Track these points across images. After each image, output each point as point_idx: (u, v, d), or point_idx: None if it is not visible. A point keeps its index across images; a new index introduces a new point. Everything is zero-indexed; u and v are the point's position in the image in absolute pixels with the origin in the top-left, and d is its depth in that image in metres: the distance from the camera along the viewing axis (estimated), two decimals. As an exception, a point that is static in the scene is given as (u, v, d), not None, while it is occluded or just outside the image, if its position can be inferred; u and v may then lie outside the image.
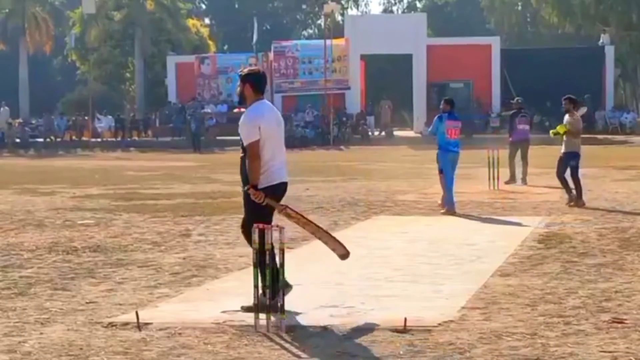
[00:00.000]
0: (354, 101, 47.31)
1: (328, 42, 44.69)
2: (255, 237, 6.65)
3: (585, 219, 13.02)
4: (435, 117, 14.92)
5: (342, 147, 40.62)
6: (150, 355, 5.89)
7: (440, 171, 14.68)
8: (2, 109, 48.42)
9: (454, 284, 8.20)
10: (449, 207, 14.19)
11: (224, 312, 7.02)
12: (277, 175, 7.22)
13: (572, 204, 14.78)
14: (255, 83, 7.24)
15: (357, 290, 7.93)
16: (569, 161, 15.21)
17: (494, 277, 8.53)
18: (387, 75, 57.05)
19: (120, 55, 57.40)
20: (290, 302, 6.72)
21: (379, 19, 56.53)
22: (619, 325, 6.51)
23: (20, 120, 49.67)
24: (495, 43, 48.35)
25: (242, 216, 13.55)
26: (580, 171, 15.41)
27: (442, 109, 14.79)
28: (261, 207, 7.13)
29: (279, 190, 7.26)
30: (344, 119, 45.22)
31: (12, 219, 13.88)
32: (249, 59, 49.31)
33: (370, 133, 45.22)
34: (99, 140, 45.62)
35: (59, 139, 45.62)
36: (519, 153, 19.50)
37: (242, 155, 7.25)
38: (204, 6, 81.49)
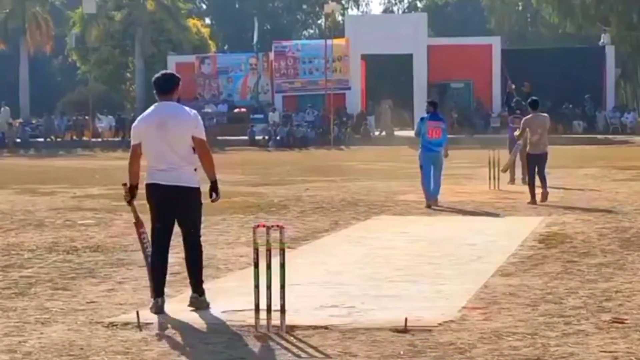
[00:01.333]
0: (355, 101, 47.32)
1: (328, 42, 44.71)
2: (256, 236, 6.66)
3: (586, 218, 13.01)
4: (419, 119, 16.13)
5: (342, 147, 40.63)
6: (150, 355, 5.89)
7: (421, 167, 15.58)
8: (2, 109, 48.44)
9: (455, 284, 8.20)
10: (427, 199, 15.23)
11: (224, 312, 7.02)
12: (151, 177, 7.32)
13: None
14: (154, 86, 7.33)
15: (357, 290, 7.92)
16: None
17: (495, 277, 8.52)
18: (387, 75, 57.05)
19: (121, 55, 57.38)
20: (291, 302, 6.72)
21: (380, 19, 56.60)
22: (620, 325, 6.51)
23: (20, 120, 49.68)
24: (495, 43, 48.36)
25: (242, 216, 13.46)
26: (546, 171, 15.93)
27: (425, 111, 15.93)
28: (151, 210, 7.43)
29: (151, 191, 7.34)
30: (344, 119, 45.23)
31: (12, 218, 13.88)
32: (250, 59, 49.40)
33: (371, 133, 45.22)
34: (99, 140, 45.63)
35: (59, 139, 45.64)
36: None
37: None
38: (204, 6, 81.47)
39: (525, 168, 18.54)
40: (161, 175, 7.25)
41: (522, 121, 16.29)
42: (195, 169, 7.23)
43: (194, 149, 7.18)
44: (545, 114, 16.45)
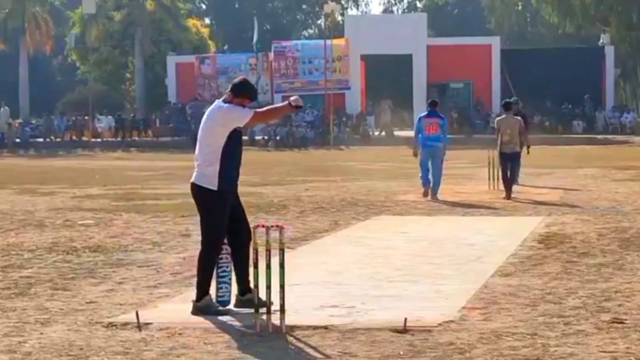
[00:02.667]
0: (354, 101, 47.33)
1: (328, 42, 44.72)
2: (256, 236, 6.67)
3: (585, 219, 13.01)
4: (417, 119, 17.45)
5: (342, 147, 40.63)
6: (150, 355, 5.89)
7: (420, 163, 16.79)
8: (2, 109, 48.46)
9: (454, 284, 8.20)
10: (424, 187, 16.45)
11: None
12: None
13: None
14: None
15: (357, 290, 7.92)
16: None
17: (494, 277, 8.52)
18: (387, 75, 57.07)
19: (121, 55, 57.38)
20: (291, 302, 6.73)
21: (379, 19, 56.60)
22: (619, 325, 6.51)
23: (20, 120, 49.70)
24: (495, 43, 48.36)
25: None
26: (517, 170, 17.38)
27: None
28: None
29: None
30: (344, 119, 45.23)
31: (12, 219, 13.88)
32: (249, 59, 49.39)
33: (371, 133, 45.23)
34: (99, 140, 45.64)
35: (59, 139, 45.65)
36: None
37: None
38: (204, 6, 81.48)
39: (519, 168, 18.80)
40: (194, 173, 7.18)
41: (495, 122, 17.32)
42: (220, 170, 7.01)
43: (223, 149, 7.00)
44: (518, 117, 17.25)
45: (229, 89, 7.23)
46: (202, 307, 6.97)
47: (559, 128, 43.93)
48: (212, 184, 7.02)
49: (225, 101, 7.16)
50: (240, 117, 7.04)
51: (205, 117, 7.17)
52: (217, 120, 7.05)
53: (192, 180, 7.18)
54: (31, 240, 11.42)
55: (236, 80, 7.34)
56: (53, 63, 70.95)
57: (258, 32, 53.44)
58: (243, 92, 7.18)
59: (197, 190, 7.11)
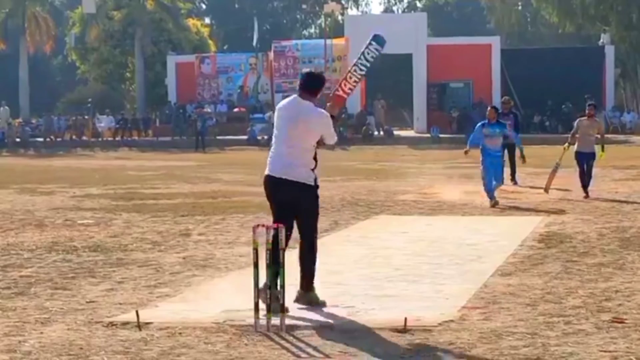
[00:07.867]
0: (354, 101, 47.29)
1: (328, 41, 44.71)
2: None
3: (586, 218, 13.01)
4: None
5: (343, 147, 40.60)
6: (150, 354, 5.89)
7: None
8: (2, 108, 48.45)
9: (454, 283, 8.20)
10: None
11: (224, 311, 7.02)
12: (267, 167, 7.30)
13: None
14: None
15: (357, 290, 7.92)
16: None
17: (494, 276, 8.52)
18: (387, 75, 57.04)
19: (120, 55, 57.32)
20: (291, 302, 6.72)
21: (379, 18, 56.52)
22: (619, 324, 6.51)
23: (20, 120, 49.72)
24: (495, 43, 48.32)
25: (242, 216, 13.39)
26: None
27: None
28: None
29: (265, 182, 7.30)
30: (343, 116, 45.18)
31: (12, 218, 13.88)
32: (249, 59, 49.38)
33: (371, 133, 45.24)
34: (99, 140, 45.65)
35: (59, 139, 45.66)
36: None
37: None
38: (204, 6, 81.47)
39: (515, 167, 19.21)
40: (275, 165, 7.30)
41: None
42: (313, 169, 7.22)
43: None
44: (597, 119, 17.77)
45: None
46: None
47: (559, 128, 43.90)
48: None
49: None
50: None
51: (290, 115, 7.24)
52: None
53: (274, 173, 7.19)
54: (31, 239, 11.42)
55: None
56: (53, 63, 70.92)
57: (258, 31, 53.42)
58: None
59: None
